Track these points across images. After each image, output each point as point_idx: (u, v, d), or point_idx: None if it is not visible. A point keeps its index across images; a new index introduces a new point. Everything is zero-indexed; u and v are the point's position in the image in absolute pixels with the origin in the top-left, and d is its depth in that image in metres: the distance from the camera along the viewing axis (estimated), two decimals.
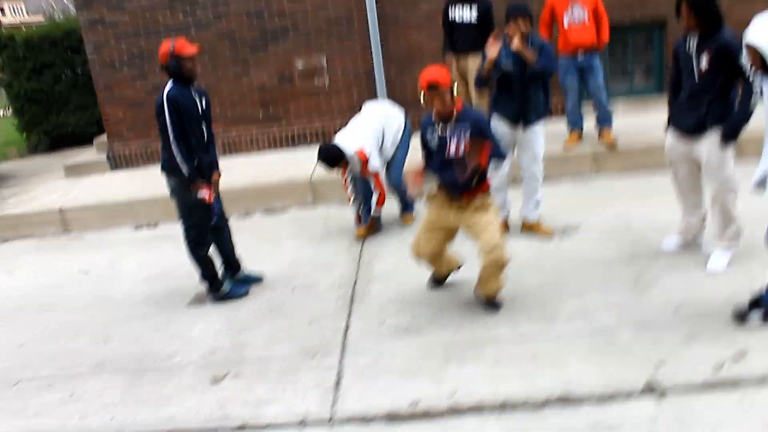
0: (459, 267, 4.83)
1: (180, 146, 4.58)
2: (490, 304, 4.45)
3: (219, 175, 4.98)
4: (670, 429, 3.17)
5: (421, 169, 4.33)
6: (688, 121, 4.44)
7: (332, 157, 5.60)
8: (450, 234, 4.50)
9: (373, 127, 5.81)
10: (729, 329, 3.89)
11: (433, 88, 4.02)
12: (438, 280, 4.87)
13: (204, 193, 4.72)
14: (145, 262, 6.08)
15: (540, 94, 5.15)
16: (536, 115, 5.20)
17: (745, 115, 4.17)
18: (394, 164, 5.97)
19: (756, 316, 3.87)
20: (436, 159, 4.29)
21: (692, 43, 4.33)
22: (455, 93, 4.12)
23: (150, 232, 6.94)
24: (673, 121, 4.61)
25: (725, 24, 4.25)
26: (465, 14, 6.84)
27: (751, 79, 4.13)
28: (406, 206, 6.25)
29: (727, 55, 4.16)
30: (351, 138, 5.70)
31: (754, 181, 3.78)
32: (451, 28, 6.97)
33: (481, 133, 4.13)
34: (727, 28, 4.27)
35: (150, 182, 7.58)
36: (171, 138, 4.55)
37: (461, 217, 4.33)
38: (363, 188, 5.90)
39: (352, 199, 5.98)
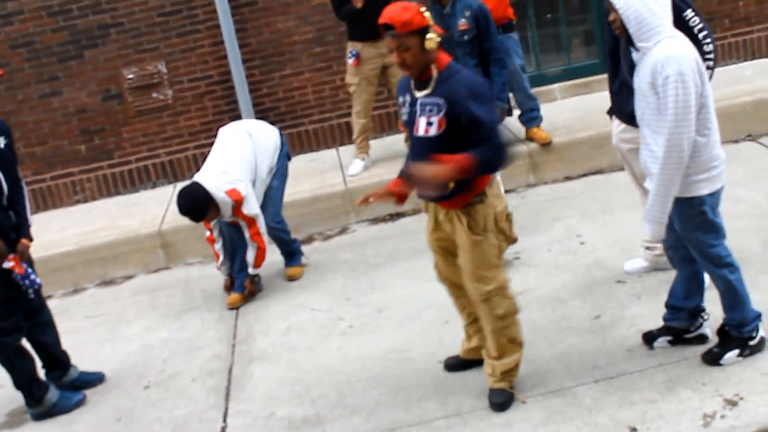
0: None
1: None
2: (495, 398, 4.18)
3: (29, 242, 4.88)
4: None
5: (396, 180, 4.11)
6: (631, 105, 4.57)
7: (198, 205, 5.52)
8: None
9: (243, 154, 5.82)
10: (717, 370, 4.10)
11: (388, 30, 3.74)
12: (459, 360, 4.58)
13: (8, 264, 4.62)
14: None
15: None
16: None
17: None
18: (270, 199, 6.01)
19: (663, 341, 4.36)
20: (410, 135, 4.09)
21: None
22: (429, 41, 3.77)
23: None
24: (615, 106, 4.83)
25: None
26: None
27: (704, 40, 4.37)
28: (292, 255, 6.28)
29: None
30: (216, 174, 5.65)
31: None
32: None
33: (460, 115, 3.81)
34: None
35: None
36: None
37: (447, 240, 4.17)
38: (233, 238, 5.90)
39: (220, 258, 5.98)
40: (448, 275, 4.31)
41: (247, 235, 5.77)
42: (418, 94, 3.94)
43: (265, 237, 5.85)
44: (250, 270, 5.90)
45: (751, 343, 4.13)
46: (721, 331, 4.22)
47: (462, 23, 5.57)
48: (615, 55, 4.74)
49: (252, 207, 5.70)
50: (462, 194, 3.92)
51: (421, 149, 3.95)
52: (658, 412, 3.87)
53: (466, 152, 3.74)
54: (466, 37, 5.58)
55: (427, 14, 3.78)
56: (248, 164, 5.81)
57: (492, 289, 4.01)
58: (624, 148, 4.89)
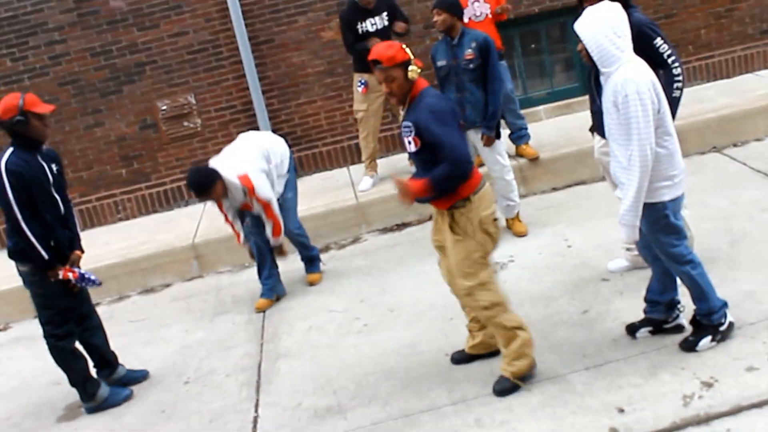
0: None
1: (31, 227, 4.49)
2: (497, 384, 4.19)
3: (81, 254, 4.91)
4: None
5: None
6: None
7: (204, 179, 5.42)
8: None
9: (257, 148, 5.75)
10: (693, 356, 4.10)
11: (377, 65, 3.95)
12: (465, 355, 4.55)
13: (62, 274, 4.64)
14: None
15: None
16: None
17: (671, 107, 4.41)
18: (288, 210, 5.98)
19: (645, 331, 4.38)
20: None
21: None
22: (411, 72, 3.96)
23: None
24: (596, 123, 4.85)
25: (633, 5, 4.53)
26: (377, 23, 6.97)
27: (673, 65, 4.41)
28: (312, 261, 6.28)
29: (639, 38, 4.30)
30: (229, 163, 5.58)
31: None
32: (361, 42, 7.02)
33: (424, 135, 3.95)
34: (638, 9, 4.55)
35: None
36: (19, 219, 4.46)
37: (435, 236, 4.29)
38: (260, 247, 5.89)
39: (241, 237, 5.93)
40: (448, 273, 4.33)
41: (264, 215, 5.70)
42: (401, 119, 4.15)
43: (280, 217, 5.73)
44: (272, 242, 5.83)
45: (721, 329, 4.15)
46: (694, 321, 4.24)
47: (468, 53, 5.74)
48: (596, 80, 4.76)
49: (264, 191, 5.59)
50: (445, 198, 4.03)
51: (415, 162, 4.21)
52: (642, 394, 3.87)
53: (425, 176, 3.93)
54: (471, 66, 5.75)
55: (407, 50, 3.99)
56: (262, 157, 5.72)
57: (473, 285, 4.05)
58: (605, 160, 4.90)
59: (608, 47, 3.81)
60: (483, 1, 6.73)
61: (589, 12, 3.88)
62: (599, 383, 4.04)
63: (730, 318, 4.18)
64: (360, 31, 6.98)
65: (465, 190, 4.00)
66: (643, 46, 4.19)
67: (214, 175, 5.43)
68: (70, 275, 4.66)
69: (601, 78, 3.99)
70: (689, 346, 4.16)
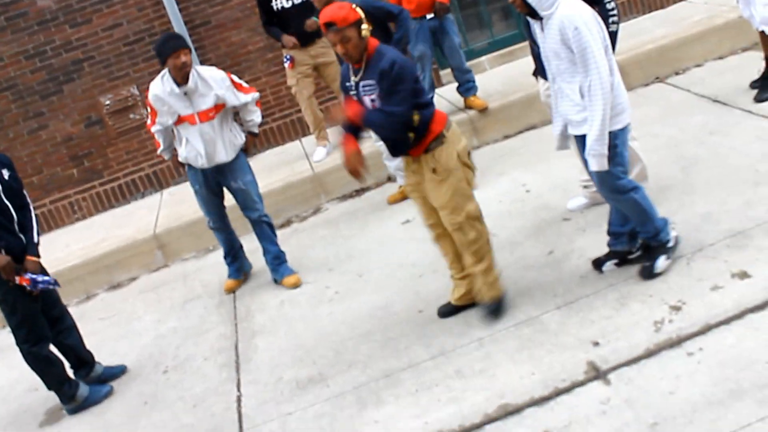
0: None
1: None
2: (485, 310, 4.36)
3: (36, 259, 4.76)
4: (624, 409, 3.35)
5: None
6: None
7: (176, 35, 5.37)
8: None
9: None
10: (659, 282, 4.16)
11: (330, 27, 3.89)
12: (451, 307, 4.55)
13: (19, 280, 4.55)
14: None
15: None
16: None
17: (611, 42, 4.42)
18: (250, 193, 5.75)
19: (610, 264, 4.43)
20: None
21: None
22: (364, 30, 3.94)
23: None
24: (538, 67, 4.85)
25: None
26: None
27: (608, 5, 4.42)
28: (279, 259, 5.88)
29: None
30: None
31: (555, 134, 4.31)
32: (278, 19, 6.94)
33: (386, 88, 3.95)
34: None
35: None
36: None
37: (411, 180, 4.30)
38: (222, 225, 5.74)
39: (161, 146, 5.64)
40: (428, 217, 4.37)
41: (250, 106, 5.46)
42: (355, 79, 4.09)
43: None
44: (257, 129, 5.64)
45: (670, 245, 4.24)
46: (644, 246, 4.33)
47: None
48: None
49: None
50: (421, 141, 4.07)
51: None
52: (615, 326, 3.92)
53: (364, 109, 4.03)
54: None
55: (358, 9, 3.94)
56: None
57: (462, 220, 4.14)
58: (551, 102, 4.91)
59: None
60: None
61: None
62: (572, 320, 4.08)
63: (674, 232, 4.27)
64: (275, 8, 6.89)
65: (437, 127, 4.08)
66: None
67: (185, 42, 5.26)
68: (24, 283, 4.57)
69: (540, 23, 3.98)
70: (648, 272, 4.23)
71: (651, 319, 3.87)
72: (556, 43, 3.89)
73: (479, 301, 4.39)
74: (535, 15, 3.94)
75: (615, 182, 4.05)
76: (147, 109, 5.60)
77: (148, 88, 5.43)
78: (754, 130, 5.55)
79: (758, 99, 5.95)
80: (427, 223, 4.42)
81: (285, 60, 7.11)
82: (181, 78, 5.14)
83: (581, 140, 4.06)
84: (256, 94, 5.53)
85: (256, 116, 5.57)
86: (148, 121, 5.55)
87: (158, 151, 5.75)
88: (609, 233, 4.39)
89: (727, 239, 4.32)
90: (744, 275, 3.98)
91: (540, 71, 4.90)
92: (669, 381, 3.43)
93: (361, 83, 4.05)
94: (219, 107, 5.29)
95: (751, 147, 5.31)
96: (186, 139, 5.35)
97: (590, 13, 3.85)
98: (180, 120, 5.29)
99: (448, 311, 4.56)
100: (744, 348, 3.48)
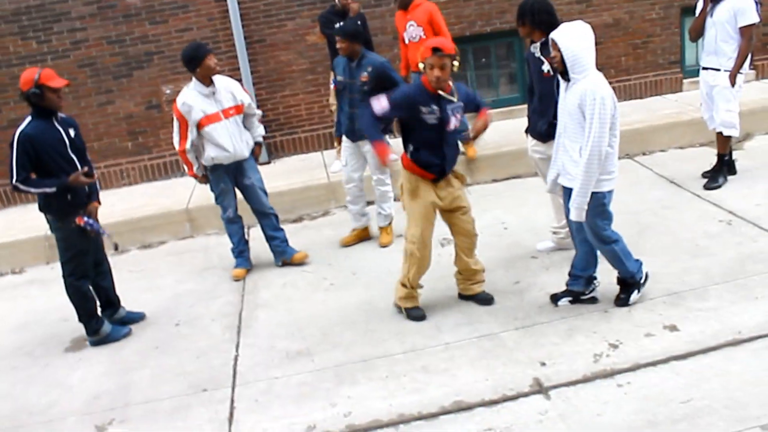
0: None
1: (32, 183, 4.41)
2: (484, 296, 4.63)
3: (98, 204, 4.82)
4: (557, 422, 3.36)
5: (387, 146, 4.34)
6: (540, 127, 4.73)
7: (200, 45, 5.35)
8: None
9: None
10: (603, 322, 4.18)
11: (437, 51, 4.03)
12: (421, 313, 4.58)
13: (78, 220, 4.56)
14: (12, 311, 5.73)
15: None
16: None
17: None
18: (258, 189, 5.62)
19: (565, 301, 4.45)
20: (431, 135, 4.25)
21: (537, 49, 4.64)
22: (456, 66, 4.14)
23: (15, 278, 6.55)
24: (530, 126, 4.90)
25: None
26: None
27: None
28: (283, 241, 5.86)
29: None
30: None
31: (548, 180, 4.35)
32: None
33: (475, 103, 4.47)
34: None
35: (12, 225, 7.17)
36: (14, 179, 4.37)
37: (446, 195, 4.43)
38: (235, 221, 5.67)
39: (194, 167, 5.41)
40: (429, 234, 4.48)
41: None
42: (443, 100, 4.23)
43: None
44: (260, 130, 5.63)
45: (642, 281, 4.30)
46: (621, 282, 4.33)
47: (363, 75, 5.48)
48: (531, 90, 4.83)
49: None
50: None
51: (449, 137, 4.45)
52: (560, 352, 3.94)
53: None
54: (365, 87, 5.43)
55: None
56: None
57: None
58: (536, 157, 4.96)
59: (581, 57, 3.84)
60: (417, 25, 6.67)
61: (568, 26, 3.90)
62: (526, 341, 4.10)
63: (645, 270, 4.32)
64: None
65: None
66: None
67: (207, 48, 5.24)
68: (82, 223, 4.58)
69: (567, 84, 3.98)
70: (623, 302, 4.30)
71: (592, 352, 3.89)
72: (574, 105, 3.89)
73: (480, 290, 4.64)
74: (566, 75, 3.94)
75: (602, 233, 4.09)
76: (176, 129, 5.27)
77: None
78: (700, 212, 5.61)
79: (707, 187, 6.02)
80: (427, 241, 4.45)
81: (333, 82, 7.07)
82: (208, 80, 5.18)
83: (568, 192, 4.08)
84: (259, 112, 5.63)
85: (260, 129, 5.63)
86: (178, 144, 5.30)
87: (192, 171, 5.42)
88: (570, 274, 4.41)
89: (664, 297, 4.35)
90: (674, 328, 4.01)
91: (530, 130, 4.94)
92: (599, 405, 3.45)
93: (449, 106, 4.20)
94: (239, 108, 5.34)
95: (695, 224, 5.36)
96: (212, 141, 5.24)
97: (611, 94, 3.86)
98: (207, 120, 5.17)
99: (420, 315, 4.56)
100: (665, 387, 3.51)
